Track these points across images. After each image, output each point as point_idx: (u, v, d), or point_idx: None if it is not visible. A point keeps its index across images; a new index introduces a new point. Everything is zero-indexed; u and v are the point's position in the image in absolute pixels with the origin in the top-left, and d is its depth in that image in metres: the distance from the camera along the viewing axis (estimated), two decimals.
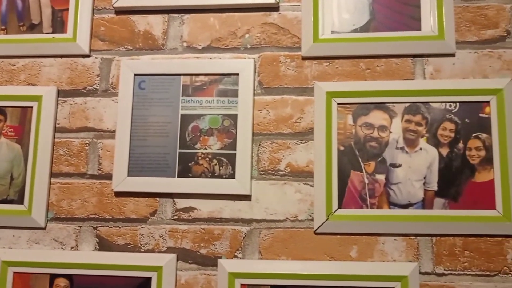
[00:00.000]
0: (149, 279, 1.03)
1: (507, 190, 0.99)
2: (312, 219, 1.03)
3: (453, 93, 1.02)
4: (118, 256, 1.05)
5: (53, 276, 1.06)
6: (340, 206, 1.02)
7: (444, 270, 0.99)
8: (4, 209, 1.09)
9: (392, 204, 1.01)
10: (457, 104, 1.02)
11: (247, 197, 1.05)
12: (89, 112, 1.12)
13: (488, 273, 0.99)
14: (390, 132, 1.03)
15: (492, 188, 1.00)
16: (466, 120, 1.02)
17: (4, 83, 1.15)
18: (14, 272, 1.06)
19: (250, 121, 1.06)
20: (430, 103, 1.03)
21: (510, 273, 0.98)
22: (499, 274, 0.98)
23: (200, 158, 1.06)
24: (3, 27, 1.17)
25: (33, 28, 1.16)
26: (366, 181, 1.03)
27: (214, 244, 1.05)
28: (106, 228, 1.07)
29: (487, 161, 1.00)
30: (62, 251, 1.07)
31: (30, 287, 1.06)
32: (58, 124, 1.12)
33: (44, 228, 1.08)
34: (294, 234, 1.04)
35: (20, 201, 1.08)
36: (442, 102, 1.03)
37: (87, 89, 1.13)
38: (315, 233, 1.03)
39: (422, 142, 1.02)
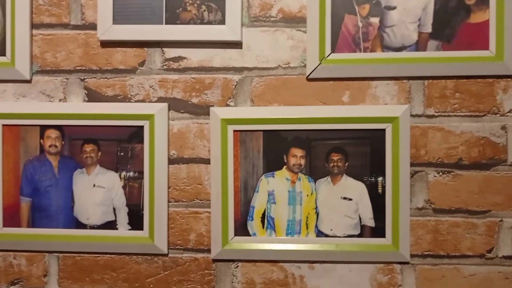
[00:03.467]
0: (141, 128, 1.08)
1: (502, 30, 1.03)
2: (305, 66, 1.07)
3: None
4: (108, 106, 1.09)
5: (43, 128, 1.09)
6: (333, 50, 1.06)
7: (435, 112, 1.06)
8: None
9: (386, 47, 1.05)
10: None
11: (237, 45, 1.08)
12: None
13: (477, 113, 1.05)
14: None
15: (486, 28, 1.04)
16: None
17: None
18: (3, 125, 1.10)
19: None
20: None
21: (498, 113, 1.05)
22: (488, 115, 1.05)
23: (188, 4, 1.07)
24: None
25: None
26: (360, 24, 1.05)
27: (205, 93, 1.09)
28: (94, 80, 1.10)
29: (483, 1, 1.03)
30: (51, 103, 1.10)
31: (20, 139, 1.10)
32: None
33: (30, 81, 1.11)
34: (286, 81, 1.08)
35: (2, 52, 1.10)
36: None
37: None
38: (308, 79, 1.07)
39: None
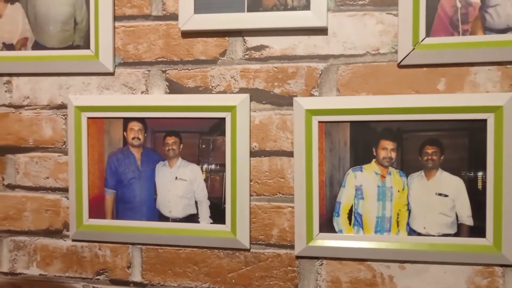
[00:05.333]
0: (222, 120, 1.08)
1: None
2: (396, 52, 1.02)
3: None
4: (190, 97, 1.09)
5: (126, 120, 1.12)
6: (428, 34, 1.00)
7: None
8: (71, 54, 1.14)
9: (488, 30, 0.98)
10: None
11: (323, 31, 1.04)
12: None
13: None
14: None
15: None
16: None
17: None
18: (88, 118, 1.13)
19: None
20: None
21: None
22: None
23: None
24: None
25: None
26: (459, 4, 0.99)
27: (288, 83, 1.07)
28: (175, 71, 1.11)
29: None
30: (133, 95, 1.12)
31: (104, 131, 1.13)
32: None
33: (113, 74, 1.13)
34: (375, 68, 1.03)
35: (86, 46, 1.13)
36: None
37: None
38: (399, 66, 1.02)
39: None
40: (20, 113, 1.19)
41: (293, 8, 1.05)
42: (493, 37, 0.98)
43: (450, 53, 0.99)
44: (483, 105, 0.98)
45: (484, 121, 0.98)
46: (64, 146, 1.17)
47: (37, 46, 1.16)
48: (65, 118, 1.16)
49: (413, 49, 1.00)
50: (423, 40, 1.00)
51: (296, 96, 1.06)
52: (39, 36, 1.16)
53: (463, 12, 0.99)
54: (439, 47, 1.00)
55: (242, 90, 1.09)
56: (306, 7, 1.04)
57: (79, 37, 1.14)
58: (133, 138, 1.12)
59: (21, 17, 1.16)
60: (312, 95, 1.06)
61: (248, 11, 1.06)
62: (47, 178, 1.18)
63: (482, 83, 0.99)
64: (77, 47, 1.14)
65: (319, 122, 1.04)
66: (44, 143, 1.18)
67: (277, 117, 1.08)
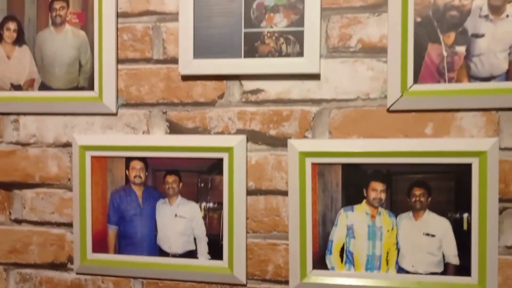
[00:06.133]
0: (220, 160, 1.14)
1: None
2: (385, 97, 1.08)
3: None
4: (189, 138, 1.16)
5: (129, 160, 1.18)
6: (416, 81, 1.06)
7: None
8: (76, 96, 1.21)
9: (473, 78, 1.04)
10: None
11: (316, 76, 1.11)
12: None
13: None
14: None
15: None
16: None
17: None
18: (92, 156, 1.20)
19: None
20: None
21: None
22: None
23: (266, 37, 1.11)
24: None
25: None
26: (445, 53, 1.05)
27: (283, 125, 1.13)
28: (176, 112, 1.18)
29: None
30: (135, 135, 1.19)
31: (107, 169, 1.20)
32: (120, 8, 1.20)
33: (115, 114, 1.20)
34: (366, 112, 1.09)
35: (91, 87, 1.20)
36: None
37: None
38: (388, 110, 1.08)
39: (510, 9, 1.02)
40: (27, 150, 1.25)
41: (288, 55, 1.11)
42: (477, 85, 1.04)
43: (437, 99, 1.05)
44: (468, 150, 1.04)
45: (469, 165, 1.04)
46: (69, 182, 1.23)
47: (43, 87, 1.23)
48: (70, 156, 1.23)
49: (402, 95, 1.06)
50: (411, 86, 1.06)
51: (290, 138, 1.13)
52: (45, 78, 1.23)
53: (449, 61, 1.05)
54: (426, 94, 1.06)
55: (239, 131, 1.15)
56: (300, 54, 1.10)
57: (84, 79, 1.20)
58: (134, 177, 1.18)
59: (29, 59, 1.23)
60: (305, 137, 1.12)
61: (245, 57, 1.13)
62: (53, 213, 1.24)
63: (467, 128, 1.05)
64: (82, 88, 1.20)
65: (312, 163, 1.10)
66: (49, 179, 1.24)
67: (272, 158, 1.14)
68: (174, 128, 1.17)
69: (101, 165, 1.19)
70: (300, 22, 1.10)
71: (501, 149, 1.04)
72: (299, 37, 1.10)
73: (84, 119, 1.22)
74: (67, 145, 1.22)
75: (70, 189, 1.22)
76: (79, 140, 1.20)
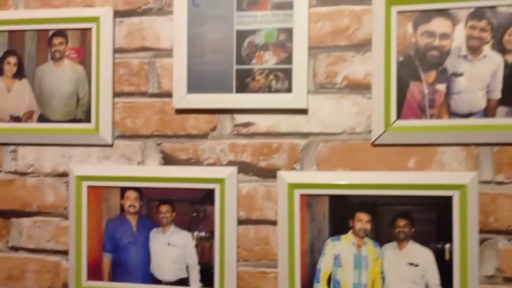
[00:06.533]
0: (212, 191, 1.19)
1: None
2: (370, 132, 1.14)
3: None
4: (182, 169, 1.21)
5: (124, 189, 1.23)
6: (398, 117, 1.12)
7: (505, 178, 1.09)
8: (74, 128, 1.26)
9: (453, 114, 1.10)
10: None
11: (304, 111, 1.16)
12: (146, 32, 1.24)
13: None
14: (452, 39, 1.09)
15: None
16: None
17: (62, 6, 1.28)
18: (88, 186, 1.25)
19: (305, 34, 1.15)
20: (497, 7, 1.07)
21: None
22: None
23: (256, 73, 1.17)
24: None
25: None
26: (426, 91, 1.11)
27: (272, 157, 1.18)
28: (169, 144, 1.23)
29: None
30: (130, 166, 1.24)
31: (103, 199, 1.24)
32: (116, 44, 1.25)
33: (111, 145, 1.25)
34: (351, 146, 1.15)
35: (88, 120, 1.25)
36: (510, 5, 1.06)
37: (142, 8, 1.24)
38: (373, 144, 1.13)
39: (487, 49, 1.08)
40: (25, 180, 1.30)
41: (277, 91, 1.17)
42: (457, 121, 1.10)
43: (419, 134, 1.11)
44: (449, 183, 1.09)
45: (450, 197, 1.09)
46: (65, 211, 1.28)
47: (42, 119, 1.28)
48: (67, 185, 1.27)
49: (385, 130, 1.12)
50: (394, 122, 1.12)
51: (279, 169, 1.18)
52: (44, 110, 1.28)
53: (430, 98, 1.11)
54: (409, 129, 1.11)
55: (230, 163, 1.20)
56: (289, 90, 1.16)
57: (81, 111, 1.26)
58: (129, 206, 1.23)
59: (28, 92, 1.28)
60: (294, 169, 1.17)
61: (236, 92, 1.18)
62: (49, 241, 1.29)
63: (448, 162, 1.11)
64: (79, 120, 1.26)
65: (301, 194, 1.15)
66: (46, 208, 1.29)
67: (262, 189, 1.19)
68: (168, 159, 1.22)
69: (97, 195, 1.24)
70: (289, 60, 1.15)
71: (480, 182, 1.09)
72: (287, 74, 1.16)
73: (81, 150, 1.26)
74: (64, 175, 1.27)
75: (66, 217, 1.27)
76: (76, 170, 1.25)
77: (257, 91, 1.17)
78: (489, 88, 1.08)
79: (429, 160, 1.10)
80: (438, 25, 1.09)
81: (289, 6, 1.15)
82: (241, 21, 1.18)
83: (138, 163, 1.24)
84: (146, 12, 1.24)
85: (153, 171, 1.22)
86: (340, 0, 1.15)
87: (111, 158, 1.25)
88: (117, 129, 1.24)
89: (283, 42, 1.15)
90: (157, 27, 1.23)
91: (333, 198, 1.13)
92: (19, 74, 1.28)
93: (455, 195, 1.08)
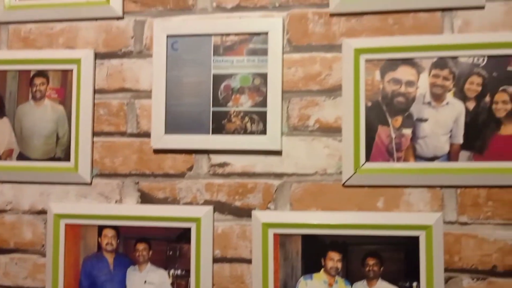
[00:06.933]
0: (188, 230, 1.22)
1: None
2: (341, 173, 1.19)
3: (482, 47, 1.13)
4: (159, 208, 1.24)
5: (101, 227, 1.26)
6: (367, 159, 1.17)
7: (468, 219, 1.14)
8: (53, 166, 1.28)
9: (418, 157, 1.16)
10: (485, 58, 1.13)
11: (278, 153, 1.21)
12: (126, 74, 1.29)
13: (510, 222, 1.13)
14: (417, 87, 1.16)
15: None
16: (494, 73, 1.13)
17: (44, 47, 1.32)
18: (66, 224, 1.27)
19: (279, 79, 1.20)
20: (458, 58, 1.15)
21: None
22: None
23: (232, 115, 1.22)
24: None
25: None
26: (393, 135, 1.17)
27: (247, 197, 1.22)
28: (147, 183, 1.26)
29: None
30: (108, 204, 1.27)
31: (81, 237, 1.27)
32: (97, 85, 1.30)
33: (90, 184, 1.28)
34: (323, 187, 1.20)
35: (67, 158, 1.28)
36: (470, 56, 1.14)
37: (122, 51, 1.29)
38: (344, 185, 1.19)
39: (449, 97, 1.15)
40: (3, 217, 1.32)
41: (252, 132, 1.22)
42: (423, 164, 1.16)
43: (387, 176, 1.17)
44: (416, 224, 1.15)
45: (417, 237, 1.14)
46: (42, 248, 1.30)
47: (21, 157, 1.30)
48: (45, 223, 1.29)
49: (355, 172, 1.17)
50: (363, 164, 1.17)
51: (254, 209, 1.22)
52: (24, 148, 1.30)
53: (397, 142, 1.17)
54: (377, 171, 1.17)
55: (206, 202, 1.24)
56: (263, 132, 1.21)
57: (61, 150, 1.29)
58: (106, 244, 1.25)
59: (8, 130, 1.31)
60: (268, 208, 1.22)
61: (213, 133, 1.23)
62: (26, 278, 1.30)
63: (415, 202, 1.16)
64: (58, 159, 1.29)
65: (274, 234, 1.20)
66: (24, 245, 1.31)
67: (237, 227, 1.23)
68: (146, 198, 1.26)
69: (74, 233, 1.27)
70: (263, 103, 1.21)
71: (445, 222, 1.14)
72: (262, 117, 1.21)
73: (60, 188, 1.29)
74: (43, 212, 1.29)
75: (43, 255, 1.29)
76: (54, 208, 1.27)
77: (233, 132, 1.21)
78: (452, 133, 1.14)
79: (397, 201, 1.16)
80: (404, 73, 1.15)
81: (264, 52, 1.21)
82: (218, 66, 1.23)
83: (116, 202, 1.27)
84: (127, 54, 1.28)
85: (130, 209, 1.25)
86: (312, 48, 1.21)
87: (90, 196, 1.28)
88: (96, 168, 1.28)
89: (258, 86, 1.21)
90: (136, 69, 1.28)
91: (305, 237, 1.17)
92: (0, 112, 1.30)
93: (422, 235, 1.13)
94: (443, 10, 1.16)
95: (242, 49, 1.22)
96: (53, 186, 1.29)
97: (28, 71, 1.30)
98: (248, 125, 1.21)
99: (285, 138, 1.21)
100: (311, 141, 1.20)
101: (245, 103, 1.21)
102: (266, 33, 1.21)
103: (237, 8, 1.25)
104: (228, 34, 1.23)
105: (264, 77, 1.20)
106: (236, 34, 1.23)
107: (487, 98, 1.13)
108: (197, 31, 1.24)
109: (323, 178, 1.19)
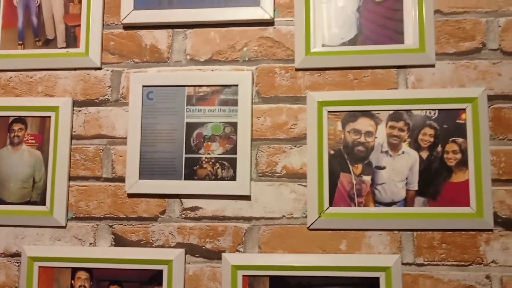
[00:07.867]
0: (160, 272, 1.28)
1: (480, 189, 1.22)
2: (306, 217, 1.27)
3: (433, 102, 1.25)
4: (132, 251, 1.29)
5: (75, 270, 1.30)
6: (331, 204, 1.26)
7: (424, 261, 1.23)
8: (28, 210, 1.33)
9: (378, 203, 1.25)
10: (436, 111, 1.25)
11: (247, 197, 1.29)
12: (102, 121, 1.36)
13: (463, 263, 1.22)
14: (376, 137, 1.26)
15: (467, 187, 1.23)
16: (444, 126, 1.24)
17: (24, 94, 1.39)
18: (40, 267, 1.31)
19: (249, 127, 1.29)
20: (412, 111, 1.26)
21: (482, 263, 1.22)
22: (473, 264, 1.22)
23: (204, 162, 1.30)
24: (20, 43, 1.40)
25: (48, 43, 1.39)
26: (354, 182, 1.26)
27: (218, 240, 1.29)
28: (121, 226, 1.32)
29: (463, 163, 1.23)
30: (82, 247, 1.31)
31: (54, 280, 1.31)
32: (74, 132, 1.36)
33: (64, 227, 1.33)
34: (290, 230, 1.27)
35: (42, 202, 1.33)
36: (422, 109, 1.25)
37: (99, 99, 1.37)
38: (309, 229, 1.26)
39: (405, 146, 1.25)
40: None
41: (222, 178, 1.29)
42: (382, 209, 1.25)
43: (349, 220, 1.25)
44: (376, 265, 1.23)
45: (378, 278, 1.22)
46: None
47: None
48: (19, 265, 1.33)
49: (319, 216, 1.25)
50: (327, 209, 1.26)
51: (224, 251, 1.28)
52: (0, 192, 1.34)
53: (357, 188, 1.26)
54: (340, 216, 1.25)
55: (178, 245, 1.30)
56: (233, 177, 1.29)
57: (37, 194, 1.34)
58: (79, 286, 1.29)
59: None
60: (238, 251, 1.28)
61: (185, 179, 1.30)
62: None
63: (375, 245, 1.25)
64: (34, 203, 1.33)
65: (243, 275, 1.26)
66: None
67: (208, 269, 1.28)
68: (119, 241, 1.31)
69: (48, 275, 1.30)
70: (234, 150, 1.29)
71: (403, 264, 1.23)
72: (232, 163, 1.29)
73: (35, 231, 1.33)
74: (17, 255, 1.33)
75: None
76: (28, 251, 1.31)
77: (204, 178, 1.29)
78: (408, 180, 1.24)
79: (358, 244, 1.24)
80: (363, 124, 1.26)
81: (234, 103, 1.30)
82: (191, 115, 1.31)
83: (90, 244, 1.31)
84: (103, 102, 1.36)
85: (104, 252, 1.29)
86: (279, 99, 1.30)
87: (64, 239, 1.32)
88: (71, 211, 1.32)
89: (229, 134, 1.29)
90: (113, 116, 1.35)
91: (273, 279, 1.24)
92: None
93: (382, 276, 1.21)
94: (398, 67, 1.28)
95: (214, 100, 1.31)
96: (28, 229, 1.33)
97: (7, 117, 1.36)
98: (219, 171, 1.29)
99: (254, 183, 1.29)
100: (279, 186, 1.28)
101: (216, 150, 1.29)
102: (237, 85, 1.30)
103: (210, 61, 1.34)
104: (201, 86, 1.32)
105: (234, 125, 1.29)
106: (208, 86, 1.31)
107: (439, 148, 1.23)
108: (171, 82, 1.33)
109: (290, 222, 1.27)
